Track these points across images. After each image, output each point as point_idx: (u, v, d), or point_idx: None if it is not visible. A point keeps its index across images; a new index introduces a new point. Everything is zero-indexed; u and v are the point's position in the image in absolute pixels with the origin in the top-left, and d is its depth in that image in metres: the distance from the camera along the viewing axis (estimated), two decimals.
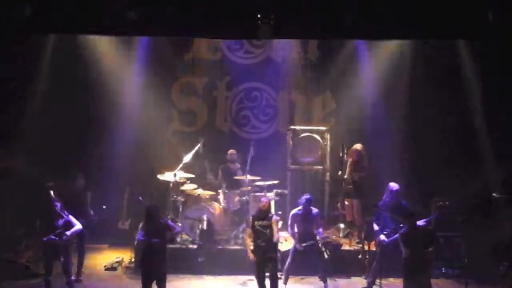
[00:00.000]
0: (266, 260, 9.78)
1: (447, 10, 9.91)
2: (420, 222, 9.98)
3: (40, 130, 12.55)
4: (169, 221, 9.95)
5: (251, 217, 10.17)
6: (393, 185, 10.76)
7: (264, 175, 12.27)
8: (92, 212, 10.97)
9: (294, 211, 10.61)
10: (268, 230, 9.85)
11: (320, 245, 10.47)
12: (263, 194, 12.07)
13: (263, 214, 9.98)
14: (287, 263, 10.45)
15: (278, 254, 10.35)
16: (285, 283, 10.42)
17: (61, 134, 12.66)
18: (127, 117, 13.14)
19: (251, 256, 9.96)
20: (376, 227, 10.50)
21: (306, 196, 10.59)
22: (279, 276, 10.12)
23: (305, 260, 10.63)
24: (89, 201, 11.02)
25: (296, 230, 10.52)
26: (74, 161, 12.37)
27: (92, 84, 12.94)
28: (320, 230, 10.70)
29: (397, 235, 9.80)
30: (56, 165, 12.09)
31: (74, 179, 11.03)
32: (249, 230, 10.12)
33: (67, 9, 9.82)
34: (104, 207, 10.64)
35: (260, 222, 9.91)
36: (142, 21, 9.94)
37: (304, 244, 10.34)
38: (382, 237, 10.32)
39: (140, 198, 11.03)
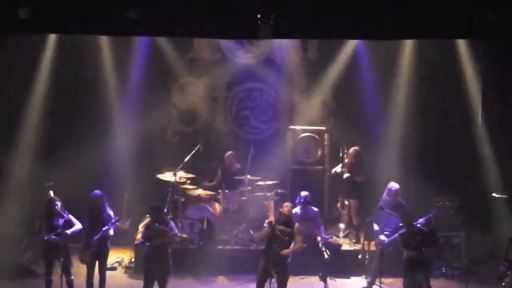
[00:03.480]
0: (275, 266, 9.36)
1: (447, 10, 9.91)
2: (419, 221, 10.00)
3: (40, 130, 12.57)
4: (171, 223, 9.91)
5: (272, 219, 9.61)
6: (393, 185, 10.78)
7: (264, 175, 12.28)
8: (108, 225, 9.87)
9: (293, 210, 10.61)
10: (287, 238, 9.44)
11: (320, 245, 10.45)
12: (263, 194, 12.09)
13: (285, 219, 9.50)
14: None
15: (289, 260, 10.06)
16: None
17: (61, 134, 12.68)
18: (127, 117, 13.15)
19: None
20: (376, 227, 10.51)
21: (303, 195, 10.57)
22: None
23: (305, 260, 10.63)
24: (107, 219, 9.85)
25: None
26: (74, 161, 12.39)
27: (92, 84, 12.94)
28: (322, 229, 10.68)
29: (397, 235, 9.81)
30: (56, 165, 12.10)
31: (92, 194, 10.04)
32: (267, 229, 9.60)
33: (67, 9, 9.81)
34: (114, 219, 10.05)
35: (281, 227, 9.43)
36: (142, 21, 9.93)
37: (304, 245, 10.33)
38: (382, 237, 10.34)
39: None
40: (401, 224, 9.94)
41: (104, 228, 9.59)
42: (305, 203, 10.63)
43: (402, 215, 9.82)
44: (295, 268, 10.61)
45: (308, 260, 10.58)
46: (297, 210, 10.61)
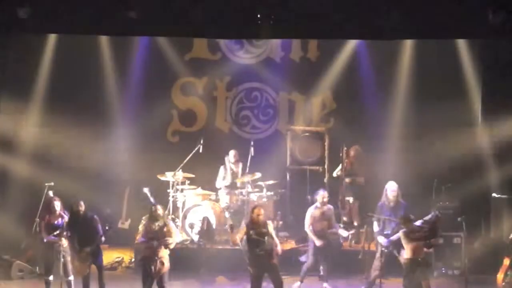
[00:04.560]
0: (266, 270, 9.38)
1: (447, 10, 9.92)
2: (417, 223, 9.98)
3: (40, 130, 12.57)
4: (171, 223, 9.91)
5: (245, 226, 9.59)
6: (391, 185, 10.72)
7: (264, 175, 12.28)
8: (101, 233, 9.73)
9: (311, 208, 10.55)
10: (266, 238, 9.38)
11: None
12: (263, 194, 12.09)
13: (258, 222, 9.42)
14: (308, 263, 10.38)
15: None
16: (302, 281, 10.40)
17: (61, 134, 12.68)
18: (127, 117, 13.15)
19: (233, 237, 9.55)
20: (376, 227, 10.48)
21: (321, 194, 10.55)
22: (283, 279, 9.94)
23: (321, 257, 10.55)
24: (97, 224, 9.74)
25: (312, 227, 10.47)
26: (73, 160, 12.39)
27: (92, 84, 12.95)
28: (337, 226, 10.66)
29: (396, 235, 9.82)
30: (55, 164, 12.10)
31: (75, 204, 9.79)
32: (238, 230, 9.69)
33: (67, 9, 9.82)
34: (106, 227, 9.75)
35: (256, 231, 9.36)
36: (142, 21, 9.94)
37: (324, 241, 10.29)
38: (380, 239, 10.27)
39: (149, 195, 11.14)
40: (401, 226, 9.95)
41: (102, 238, 9.60)
42: (323, 203, 10.57)
43: (401, 219, 9.81)
44: (295, 268, 10.66)
45: (322, 257, 10.48)
46: (314, 207, 10.54)
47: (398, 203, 10.61)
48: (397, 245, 9.94)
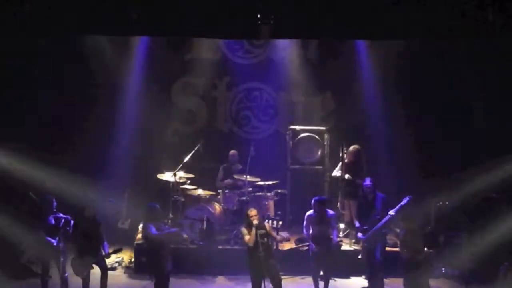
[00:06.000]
0: (266, 270, 9.40)
1: (447, 10, 9.93)
2: (391, 212, 10.00)
3: (40, 130, 12.57)
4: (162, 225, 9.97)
5: (243, 229, 9.61)
6: (365, 181, 10.68)
7: (264, 175, 12.28)
8: (106, 244, 9.85)
9: (309, 212, 10.51)
10: (265, 239, 9.49)
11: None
12: (263, 194, 12.10)
13: (259, 223, 9.53)
14: (313, 270, 10.27)
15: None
16: None
17: (61, 134, 12.69)
18: (127, 117, 13.15)
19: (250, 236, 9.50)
20: (357, 224, 10.54)
21: (315, 198, 10.51)
22: (281, 277, 9.94)
23: (319, 262, 10.54)
24: (103, 231, 9.87)
25: (311, 232, 10.42)
26: (74, 161, 12.40)
27: (92, 84, 12.94)
28: (335, 232, 10.58)
29: (374, 229, 9.99)
30: (55, 165, 12.09)
31: (86, 208, 9.87)
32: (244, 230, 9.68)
33: (67, 9, 9.83)
34: (121, 249, 9.83)
35: (258, 232, 9.42)
36: (142, 21, 9.95)
37: (319, 246, 10.24)
38: (359, 234, 10.36)
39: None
40: (378, 217, 10.04)
41: (107, 252, 9.65)
42: (320, 206, 10.50)
43: (403, 219, 9.84)
44: (295, 268, 10.65)
45: (321, 262, 10.45)
46: (312, 212, 10.48)
47: (375, 196, 10.56)
48: (376, 238, 10.04)
